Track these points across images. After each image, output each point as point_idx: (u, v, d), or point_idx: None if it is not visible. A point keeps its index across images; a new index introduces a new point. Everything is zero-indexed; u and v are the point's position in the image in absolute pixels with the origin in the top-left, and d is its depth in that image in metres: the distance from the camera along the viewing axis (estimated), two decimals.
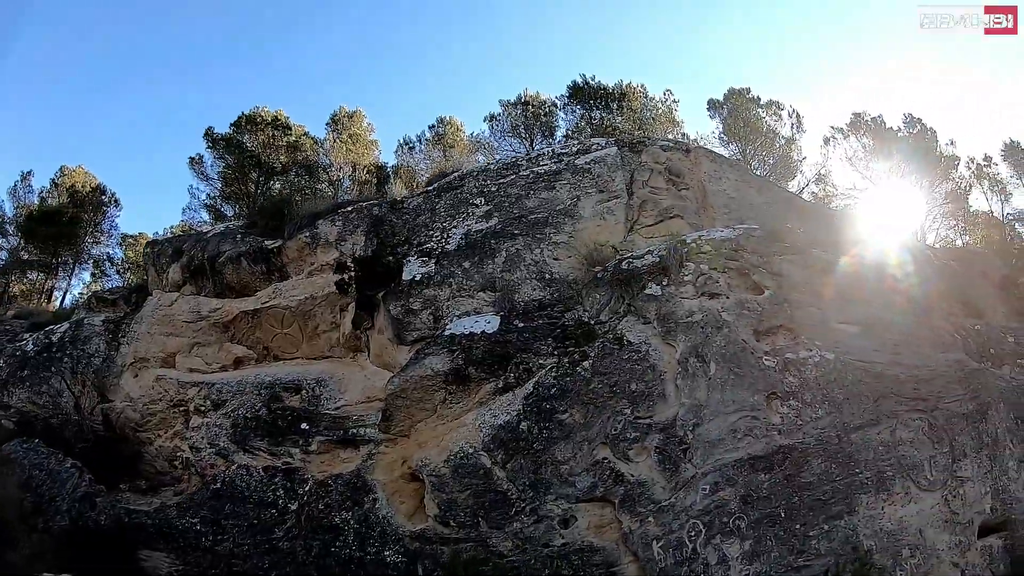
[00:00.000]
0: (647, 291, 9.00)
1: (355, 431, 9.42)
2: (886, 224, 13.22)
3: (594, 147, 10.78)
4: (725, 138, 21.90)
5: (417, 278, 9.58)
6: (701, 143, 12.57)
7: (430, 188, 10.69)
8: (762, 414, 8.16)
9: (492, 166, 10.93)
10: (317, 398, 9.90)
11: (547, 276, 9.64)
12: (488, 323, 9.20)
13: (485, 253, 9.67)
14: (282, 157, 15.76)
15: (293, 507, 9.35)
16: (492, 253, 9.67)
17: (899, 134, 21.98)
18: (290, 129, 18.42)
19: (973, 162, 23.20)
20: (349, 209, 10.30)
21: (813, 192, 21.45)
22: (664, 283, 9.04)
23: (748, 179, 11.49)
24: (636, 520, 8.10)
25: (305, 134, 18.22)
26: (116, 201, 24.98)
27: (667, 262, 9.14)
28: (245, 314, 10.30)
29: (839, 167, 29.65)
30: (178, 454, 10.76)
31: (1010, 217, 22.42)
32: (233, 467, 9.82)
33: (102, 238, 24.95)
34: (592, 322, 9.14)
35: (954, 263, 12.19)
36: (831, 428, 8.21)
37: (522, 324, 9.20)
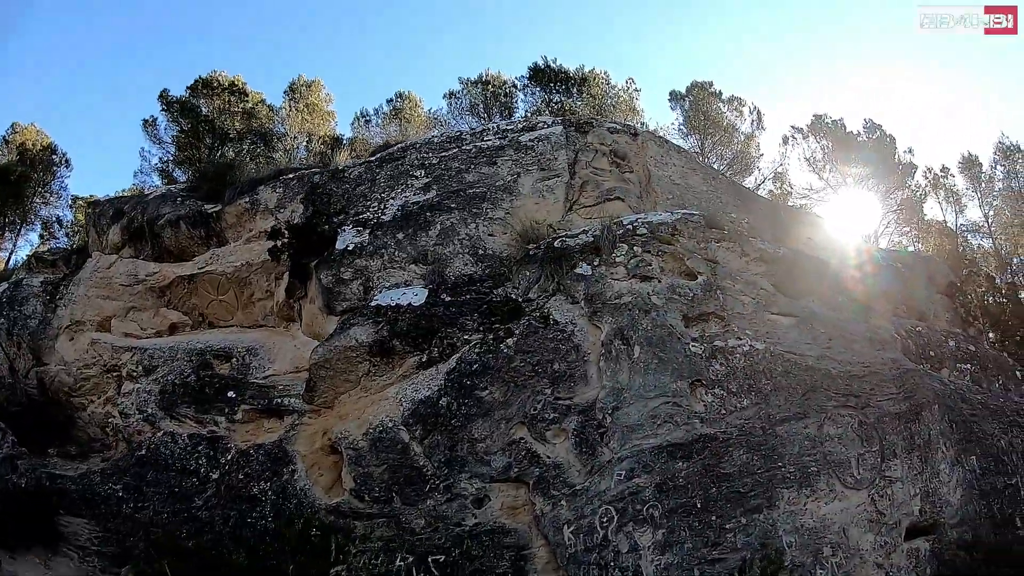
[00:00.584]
0: (577, 270, 8.12)
1: (280, 401, 8.51)
2: (836, 225, 12.40)
3: (540, 125, 9.93)
4: (685, 130, 20.76)
5: (350, 247, 8.70)
6: (660, 133, 11.64)
7: (372, 158, 9.82)
8: (685, 401, 7.28)
9: (436, 139, 10.06)
10: (247, 366, 9.00)
11: (480, 252, 8.76)
12: (416, 295, 8.32)
13: (420, 225, 8.80)
14: (237, 124, 14.45)
15: (215, 476, 8.42)
16: (427, 226, 8.79)
17: (859, 139, 21.01)
18: (247, 95, 17.19)
19: (931, 172, 22.19)
20: (290, 176, 9.43)
21: (770, 190, 20.54)
22: (595, 263, 8.17)
23: (695, 166, 10.62)
24: (549, 503, 7.19)
25: (262, 101, 16.92)
26: (67, 162, 22.84)
27: (600, 242, 8.27)
28: (182, 279, 9.41)
29: (797, 167, 28.35)
30: (110, 420, 9.83)
31: (963, 228, 21.37)
32: (159, 434, 8.89)
33: (51, 199, 22.78)
34: (520, 299, 8.26)
35: (901, 266, 11.34)
36: (756, 419, 7.32)
37: (449, 298, 8.32)
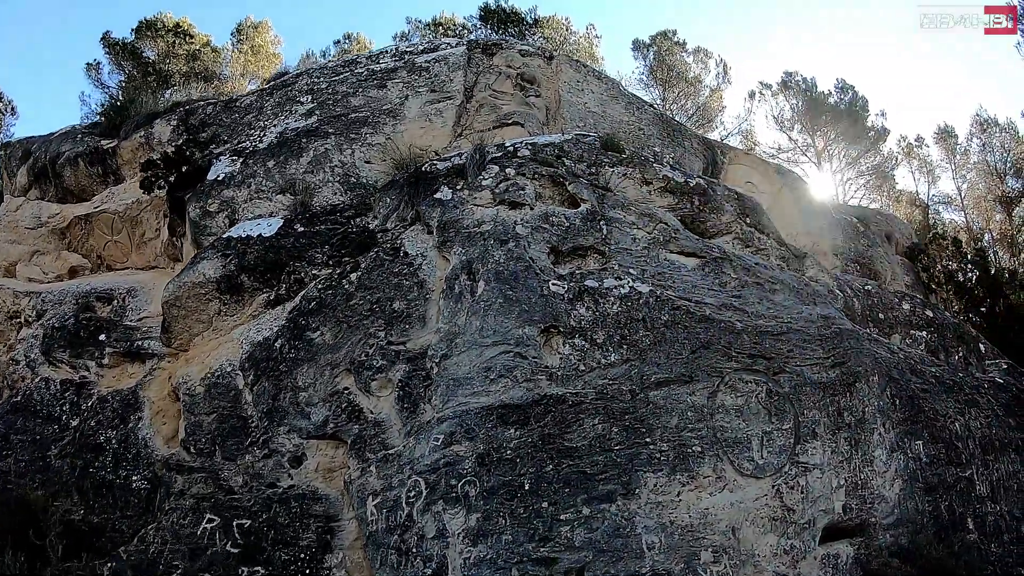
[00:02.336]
0: (437, 195, 5.43)
1: (140, 344, 6.27)
2: (789, 172, 8.96)
3: (443, 46, 7.19)
4: (647, 80, 16.32)
5: (220, 178, 6.33)
6: (623, 83, 8.54)
7: (266, 86, 7.44)
8: (532, 352, 4.52)
9: (331, 63, 7.49)
10: (124, 308, 6.82)
11: (353, 180, 6.21)
12: (268, 226, 5.86)
13: (292, 153, 6.33)
14: (181, 67, 11.88)
15: (74, 423, 6.28)
16: (299, 153, 6.31)
17: (830, 99, 16.34)
18: (193, 37, 13.62)
19: (904, 140, 17.35)
20: (184, 108, 7.19)
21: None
22: (458, 187, 5.45)
23: (617, 94, 7.53)
24: (360, 467, 4.67)
25: (207, 44, 13.94)
26: (13, 109, 17.96)
27: (468, 164, 5.55)
28: (79, 220, 7.33)
29: (765, 126, 23.33)
30: (10, 368, 7.94)
31: (935, 200, 16.84)
32: (36, 380, 6.92)
33: None
34: (376, 230, 5.67)
35: (857, 221, 7.98)
36: (625, 380, 4.48)
37: (302, 229, 5.81)
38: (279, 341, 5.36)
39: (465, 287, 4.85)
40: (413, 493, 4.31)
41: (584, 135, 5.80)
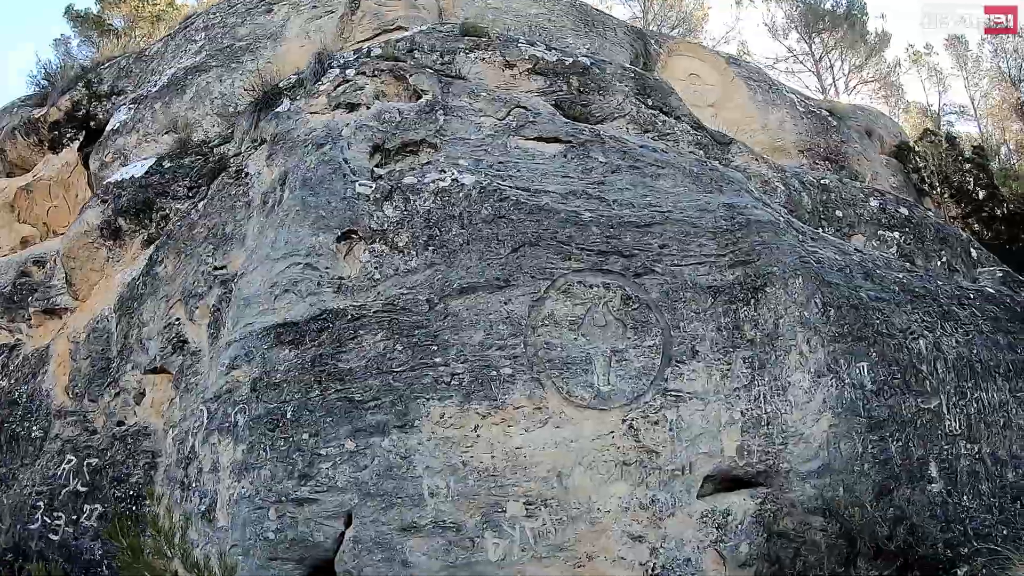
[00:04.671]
0: (277, 109, 4.91)
1: (55, 300, 6.48)
2: (751, 62, 7.07)
3: None
4: None
5: (116, 127, 6.38)
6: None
7: (170, 31, 7.36)
8: (324, 262, 3.83)
9: None
10: (54, 270, 7.17)
11: (231, 110, 5.90)
12: (141, 167, 5.76)
13: (176, 91, 6.16)
14: (149, 29, 11.33)
15: (3, 384, 6.78)
16: (183, 90, 6.13)
17: (826, 2, 13.32)
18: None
19: (911, 47, 14.65)
20: (105, 67, 7.37)
21: None
22: (297, 97, 4.89)
23: None
24: (169, 400, 4.36)
25: (171, 2, 13.44)
26: None
27: (307, 71, 4.95)
28: (22, 190, 7.80)
29: (759, 34, 20.37)
30: None
31: (946, 109, 14.02)
32: None
33: None
34: (231, 155, 5.30)
35: (829, 115, 6.25)
36: (424, 288, 3.64)
37: (169, 164, 5.62)
38: (141, 279, 5.23)
39: (276, 199, 4.30)
40: (197, 424, 3.88)
41: (441, 24, 4.97)
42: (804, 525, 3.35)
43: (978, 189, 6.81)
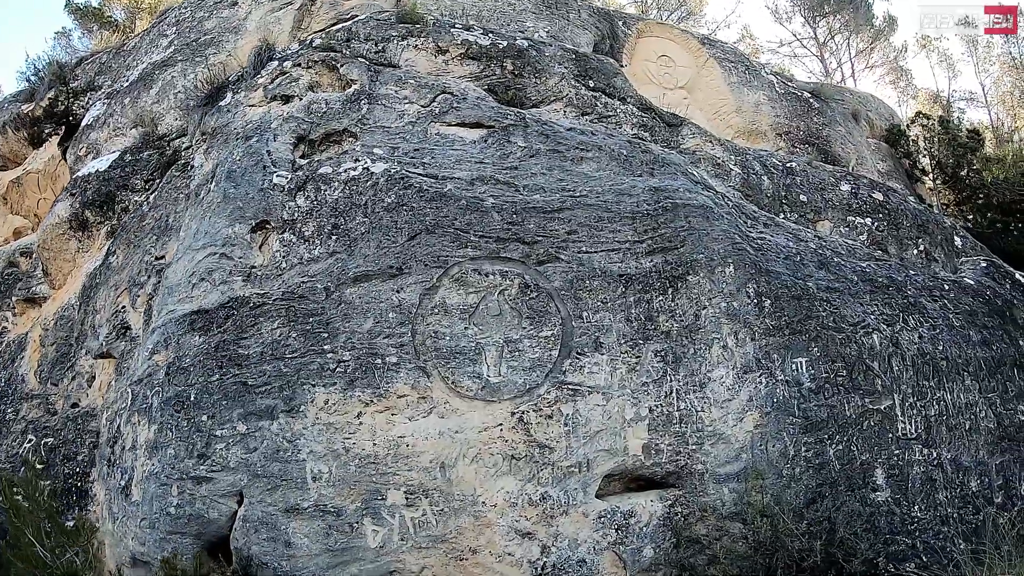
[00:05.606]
0: (220, 103, 5.06)
1: (35, 289, 6.86)
2: (727, 43, 6.75)
3: None
4: None
5: (89, 122, 6.69)
6: None
7: (148, 26, 7.62)
8: (239, 252, 3.93)
9: None
10: (38, 260, 7.61)
11: (192, 103, 6.09)
12: (106, 161, 6.04)
13: (145, 85, 6.41)
14: (148, 21, 11.17)
15: None
16: (150, 84, 6.35)
17: None
18: None
19: (919, 32, 14.18)
20: (89, 62, 7.70)
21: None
22: (239, 90, 5.02)
23: None
24: (108, 385, 4.57)
25: None
26: None
27: (248, 64, 5.08)
28: (13, 183, 8.26)
29: (761, 19, 19.25)
30: None
31: (956, 96, 13.26)
32: None
33: None
34: (183, 148, 5.50)
35: (812, 97, 5.94)
36: (324, 276, 3.69)
37: (130, 158, 5.87)
38: (99, 269, 5.49)
39: (207, 191, 4.45)
40: (123, 405, 4.08)
41: (380, 12, 5.00)
42: (720, 532, 3.24)
43: (972, 175, 6.39)
